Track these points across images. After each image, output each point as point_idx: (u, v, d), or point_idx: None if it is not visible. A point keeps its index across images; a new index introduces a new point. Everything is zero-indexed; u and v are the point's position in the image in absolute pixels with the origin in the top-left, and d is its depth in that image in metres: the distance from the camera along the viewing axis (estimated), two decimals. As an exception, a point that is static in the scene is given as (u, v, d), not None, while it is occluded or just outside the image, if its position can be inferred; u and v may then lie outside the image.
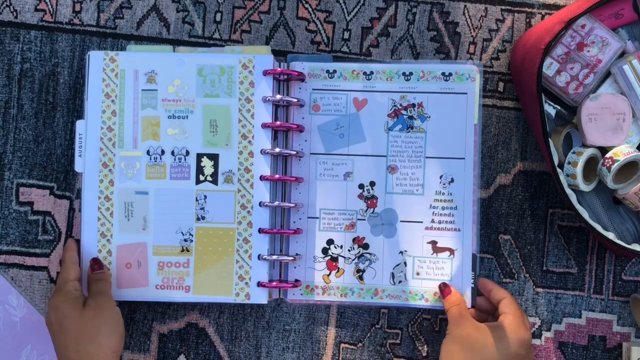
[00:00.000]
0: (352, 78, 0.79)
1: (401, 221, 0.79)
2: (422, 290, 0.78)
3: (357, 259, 0.79)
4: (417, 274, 0.78)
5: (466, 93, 0.79)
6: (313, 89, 0.80)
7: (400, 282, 0.78)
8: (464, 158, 0.78)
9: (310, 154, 0.80)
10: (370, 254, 0.79)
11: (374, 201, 0.79)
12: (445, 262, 0.78)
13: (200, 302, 0.81)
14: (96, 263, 0.78)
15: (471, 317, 0.76)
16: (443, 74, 0.79)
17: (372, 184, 0.79)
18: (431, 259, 0.78)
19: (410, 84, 0.79)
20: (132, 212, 0.78)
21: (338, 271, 0.79)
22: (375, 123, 0.80)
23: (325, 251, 0.80)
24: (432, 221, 0.79)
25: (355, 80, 0.79)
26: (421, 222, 0.79)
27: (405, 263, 0.78)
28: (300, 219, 0.80)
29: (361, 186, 0.79)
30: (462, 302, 0.77)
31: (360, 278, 0.79)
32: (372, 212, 0.79)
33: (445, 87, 0.79)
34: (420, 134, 0.79)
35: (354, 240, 0.80)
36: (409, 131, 0.79)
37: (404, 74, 0.79)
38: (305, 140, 0.80)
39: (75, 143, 0.79)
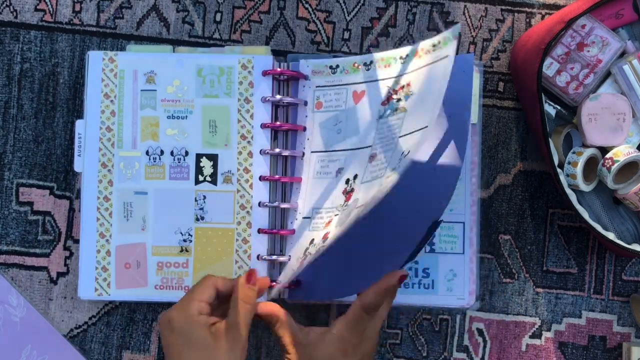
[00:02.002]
0: (353, 71, 0.77)
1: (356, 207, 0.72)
2: None
3: None
4: None
5: (447, 55, 0.67)
6: (317, 87, 0.78)
7: None
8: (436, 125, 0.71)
9: (311, 152, 0.78)
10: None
11: (351, 194, 0.75)
12: None
13: (200, 302, 0.82)
14: (251, 275, 0.70)
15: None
16: (434, 45, 0.69)
17: (355, 177, 0.75)
18: None
19: (405, 65, 0.73)
20: (131, 213, 0.78)
21: None
22: (370, 114, 0.76)
23: (306, 251, 0.75)
24: None
25: (356, 72, 0.77)
26: None
27: None
28: (296, 219, 0.78)
29: (347, 181, 0.76)
30: (253, 301, 0.70)
31: None
32: (346, 205, 0.74)
33: (434, 57, 0.70)
34: (401, 114, 0.72)
35: (322, 236, 0.74)
36: (394, 114, 0.73)
37: (401, 57, 0.74)
38: (308, 139, 0.78)
39: (74, 143, 0.79)
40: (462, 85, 0.72)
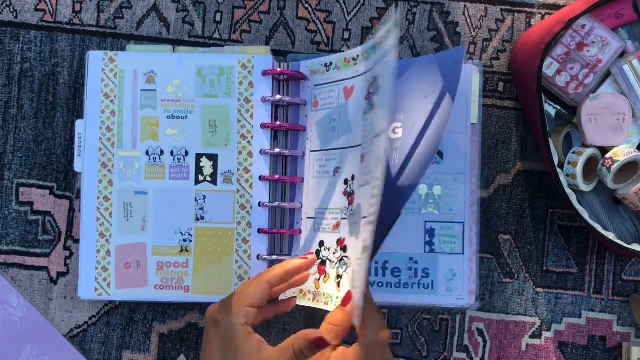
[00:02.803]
0: (344, 67, 0.76)
1: (362, 217, 0.68)
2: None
3: (338, 262, 0.72)
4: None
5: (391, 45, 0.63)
6: (315, 86, 0.78)
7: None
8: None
9: (310, 151, 0.78)
10: (347, 257, 0.70)
11: (353, 197, 0.72)
12: None
13: (200, 302, 0.81)
14: (322, 341, 0.63)
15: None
16: (388, 31, 0.64)
17: (353, 177, 0.72)
18: None
19: (375, 57, 0.70)
20: (132, 213, 0.78)
21: (325, 276, 0.73)
22: (358, 110, 0.72)
23: (318, 253, 0.75)
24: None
25: (347, 68, 0.76)
26: None
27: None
28: (301, 219, 0.78)
29: (346, 181, 0.73)
30: (344, 325, 0.64)
31: (338, 285, 0.70)
32: (351, 210, 0.71)
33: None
34: (375, 111, 0.68)
35: (337, 241, 0.73)
36: (371, 111, 0.68)
37: (374, 47, 0.70)
38: (307, 139, 0.79)
39: (74, 143, 0.80)
40: (451, 74, 0.68)
